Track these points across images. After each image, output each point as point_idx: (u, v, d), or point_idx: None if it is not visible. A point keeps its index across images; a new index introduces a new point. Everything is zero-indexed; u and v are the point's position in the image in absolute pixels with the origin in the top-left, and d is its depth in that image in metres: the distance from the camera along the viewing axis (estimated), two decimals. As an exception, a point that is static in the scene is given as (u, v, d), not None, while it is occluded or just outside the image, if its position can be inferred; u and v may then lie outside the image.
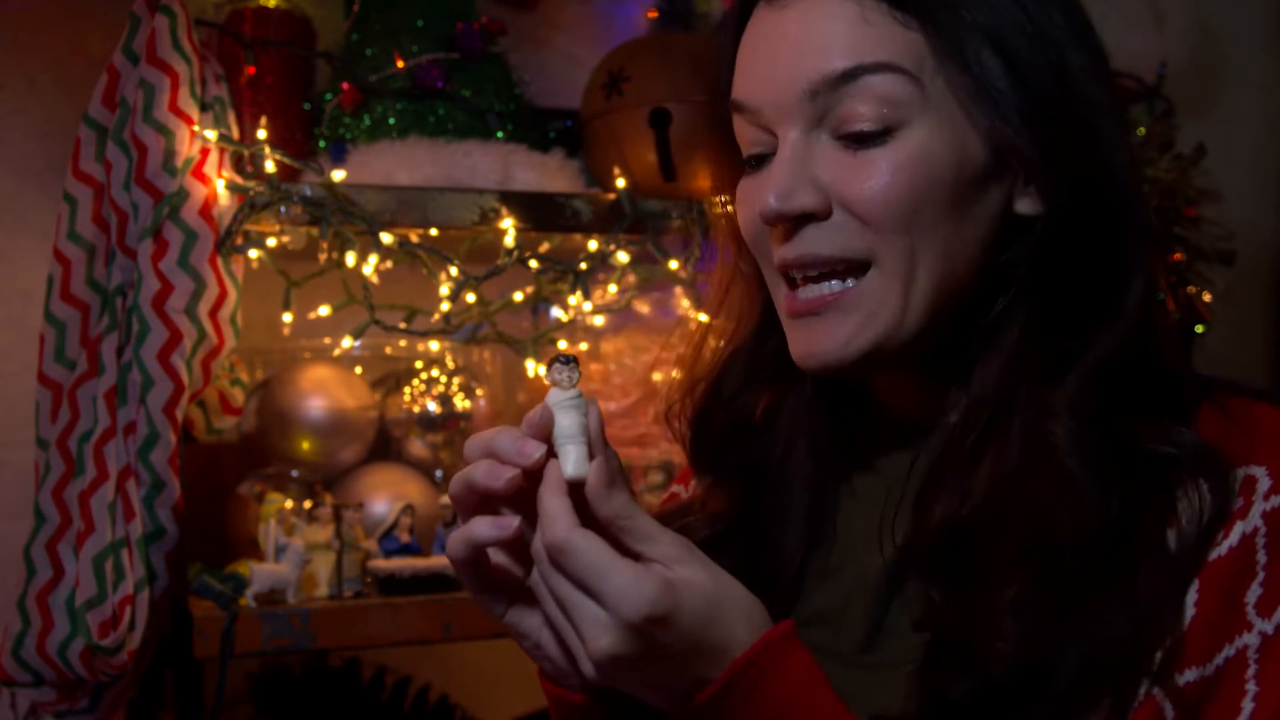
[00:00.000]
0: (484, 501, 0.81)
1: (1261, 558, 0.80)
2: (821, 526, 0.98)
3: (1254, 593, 0.80)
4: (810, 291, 0.87)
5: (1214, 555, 0.81)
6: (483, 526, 0.80)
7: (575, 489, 0.79)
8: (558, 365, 0.81)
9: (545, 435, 0.79)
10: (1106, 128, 0.86)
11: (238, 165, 1.54)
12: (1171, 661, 0.79)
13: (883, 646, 0.91)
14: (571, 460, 0.78)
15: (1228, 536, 0.81)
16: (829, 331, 0.87)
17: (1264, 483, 0.82)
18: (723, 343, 1.02)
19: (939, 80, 0.85)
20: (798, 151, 0.86)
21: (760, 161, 0.90)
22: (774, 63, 0.87)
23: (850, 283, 0.86)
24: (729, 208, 0.98)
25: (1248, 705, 0.78)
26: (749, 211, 0.91)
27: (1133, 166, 0.89)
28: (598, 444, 0.80)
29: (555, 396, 0.80)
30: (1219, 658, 0.79)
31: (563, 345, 1.76)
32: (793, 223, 0.86)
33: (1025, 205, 0.88)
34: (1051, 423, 0.84)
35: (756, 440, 1.00)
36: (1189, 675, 0.79)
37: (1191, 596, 0.80)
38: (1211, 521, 0.81)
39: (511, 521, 0.79)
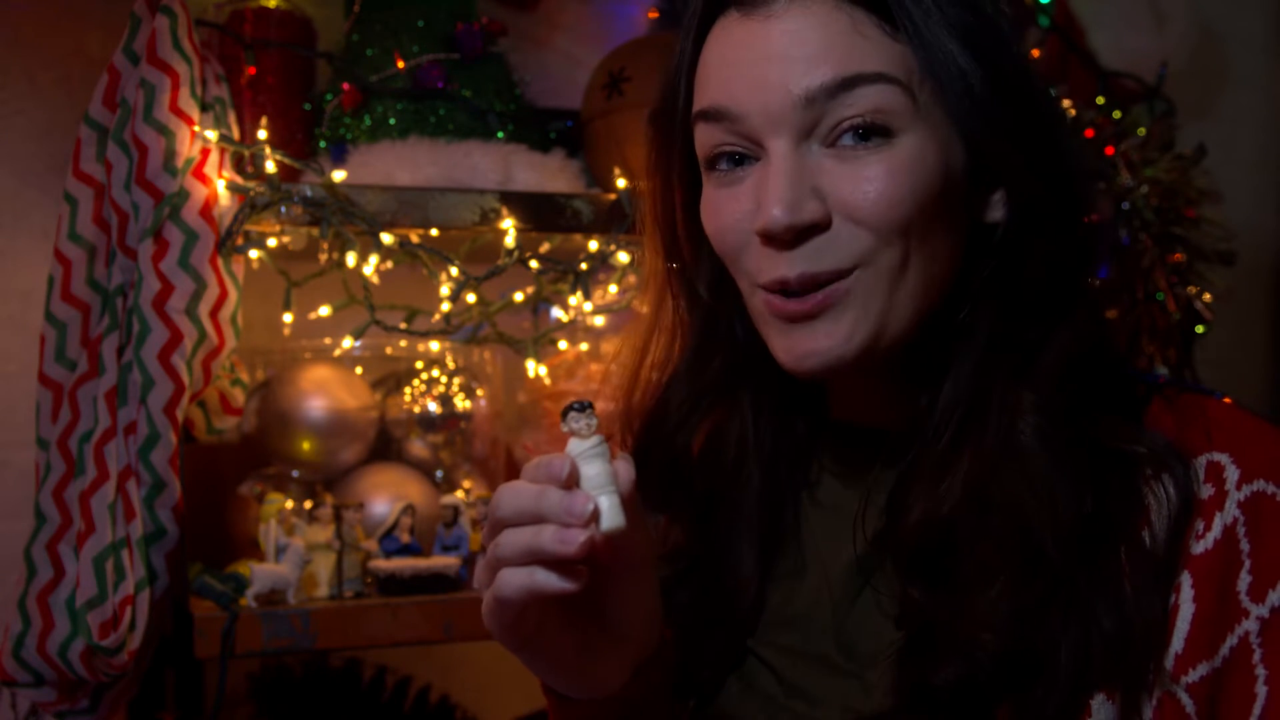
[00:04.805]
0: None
1: (1245, 546, 0.83)
2: (781, 536, 0.98)
3: (1244, 581, 0.82)
4: (803, 297, 0.86)
5: (1199, 549, 0.83)
6: (550, 578, 0.76)
7: (612, 540, 0.76)
8: (574, 414, 0.77)
9: (573, 487, 0.77)
10: (1063, 126, 0.91)
11: (238, 165, 1.54)
12: (1182, 658, 0.82)
13: (853, 647, 0.92)
14: (607, 514, 0.76)
15: (1209, 529, 0.83)
16: (828, 330, 0.86)
17: (1232, 471, 0.84)
18: (653, 365, 1.00)
19: (926, 89, 0.86)
20: (794, 162, 0.85)
21: (736, 163, 0.89)
22: (763, 69, 0.86)
23: (838, 283, 0.86)
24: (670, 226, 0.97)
25: (1261, 689, 0.81)
26: (727, 221, 0.89)
27: (1084, 162, 0.93)
28: (630, 503, 0.78)
29: (576, 447, 0.77)
30: (1224, 648, 0.82)
31: (563, 345, 1.76)
32: (795, 235, 0.85)
33: (992, 213, 0.90)
34: (1022, 421, 0.86)
35: (702, 467, 0.99)
36: (1201, 670, 0.81)
37: (1188, 592, 0.83)
38: (1180, 512, 0.84)
39: (582, 574, 0.77)
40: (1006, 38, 0.89)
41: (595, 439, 0.77)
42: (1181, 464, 0.85)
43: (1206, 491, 0.84)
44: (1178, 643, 0.82)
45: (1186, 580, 0.83)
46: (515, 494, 0.78)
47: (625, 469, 0.78)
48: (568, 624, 0.83)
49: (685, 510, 1.00)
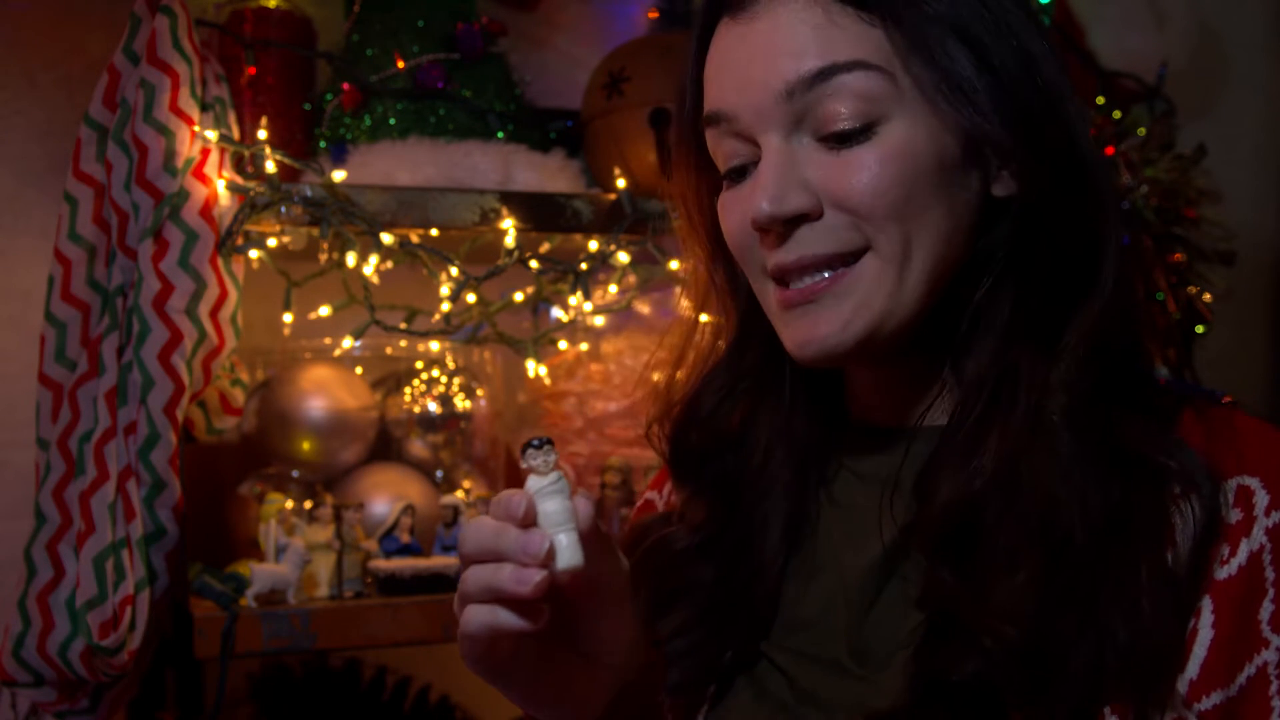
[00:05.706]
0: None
1: (1270, 574, 0.81)
2: (801, 533, 0.99)
3: (1267, 610, 0.81)
4: (803, 281, 0.88)
5: (1223, 574, 0.82)
6: (510, 617, 0.77)
7: (576, 576, 0.76)
8: (532, 450, 0.77)
9: (531, 525, 0.77)
10: (1070, 109, 0.89)
11: (238, 165, 1.54)
12: (1197, 684, 0.80)
13: (866, 650, 0.91)
14: (564, 551, 0.76)
15: (1235, 554, 0.82)
16: (826, 317, 0.87)
17: (1261, 496, 0.83)
18: (696, 358, 1.02)
19: (910, 75, 0.86)
20: (783, 155, 0.87)
21: (742, 173, 0.91)
22: (748, 69, 0.88)
23: (843, 269, 0.87)
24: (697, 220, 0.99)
25: None
26: (735, 220, 0.91)
27: (1095, 145, 0.92)
28: (590, 537, 0.78)
29: (535, 483, 0.77)
30: (1241, 678, 0.80)
31: (563, 345, 1.76)
32: (785, 226, 0.87)
33: (1000, 188, 0.89)
34: (1050, 400, 0.85)
35: (734, 451, 1.00)
36: (1215, 698, 0.80)
37: (1207, 617, 0.81)
38: (1205, 534, 0.82)
39: (543, 612, 0.78)
40: (1007, 21, 0.88)
41: (554, 475, 0.77)
42: (1211, 485, 0.83)
43: (1235, 516, 0.82)
44: (1193, 668, 0.80)
45: (1207, 605, 0.81)
46: (478, 530, 0.78)
47: (585, 505, 0.78)
48: (541, 654, 0.84)
49: (715, 486, 1.00)
